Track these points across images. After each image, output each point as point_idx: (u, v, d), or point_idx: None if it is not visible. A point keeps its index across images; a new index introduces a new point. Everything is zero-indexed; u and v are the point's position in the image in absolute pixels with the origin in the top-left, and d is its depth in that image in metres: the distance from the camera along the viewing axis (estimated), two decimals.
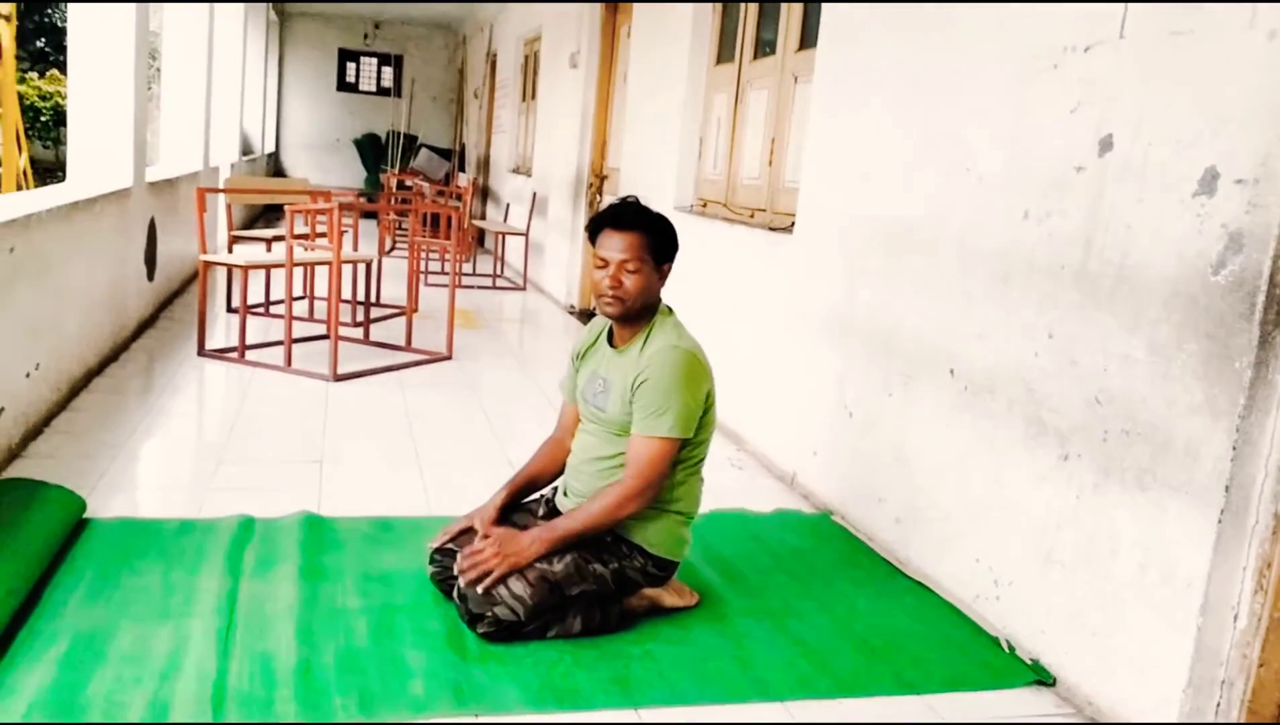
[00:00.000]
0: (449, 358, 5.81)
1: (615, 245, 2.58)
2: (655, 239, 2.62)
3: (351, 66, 17.18)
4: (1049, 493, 2.59)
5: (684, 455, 2.64)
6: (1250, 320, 2.05)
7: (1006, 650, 2.69)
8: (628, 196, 2.73)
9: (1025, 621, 2.67)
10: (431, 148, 15.54)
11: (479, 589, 2.49)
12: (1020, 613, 2.69)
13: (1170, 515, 2.22)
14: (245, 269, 5.54)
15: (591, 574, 2.56)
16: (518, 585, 2.50)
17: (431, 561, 2.76)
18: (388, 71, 17.24)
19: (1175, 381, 2.22)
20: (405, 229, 11.80)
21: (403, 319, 6.21)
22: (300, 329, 5.86)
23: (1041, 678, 2.55)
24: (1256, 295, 2.04)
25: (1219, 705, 2.16)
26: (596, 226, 2.65)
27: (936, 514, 3.07)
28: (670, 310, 2.72)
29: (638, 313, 2.63)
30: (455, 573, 2.57)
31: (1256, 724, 2.14)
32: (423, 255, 8.59)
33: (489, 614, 2.49)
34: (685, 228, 5.27)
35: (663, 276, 2.66)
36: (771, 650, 2.60)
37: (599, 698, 2.33)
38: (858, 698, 2.43)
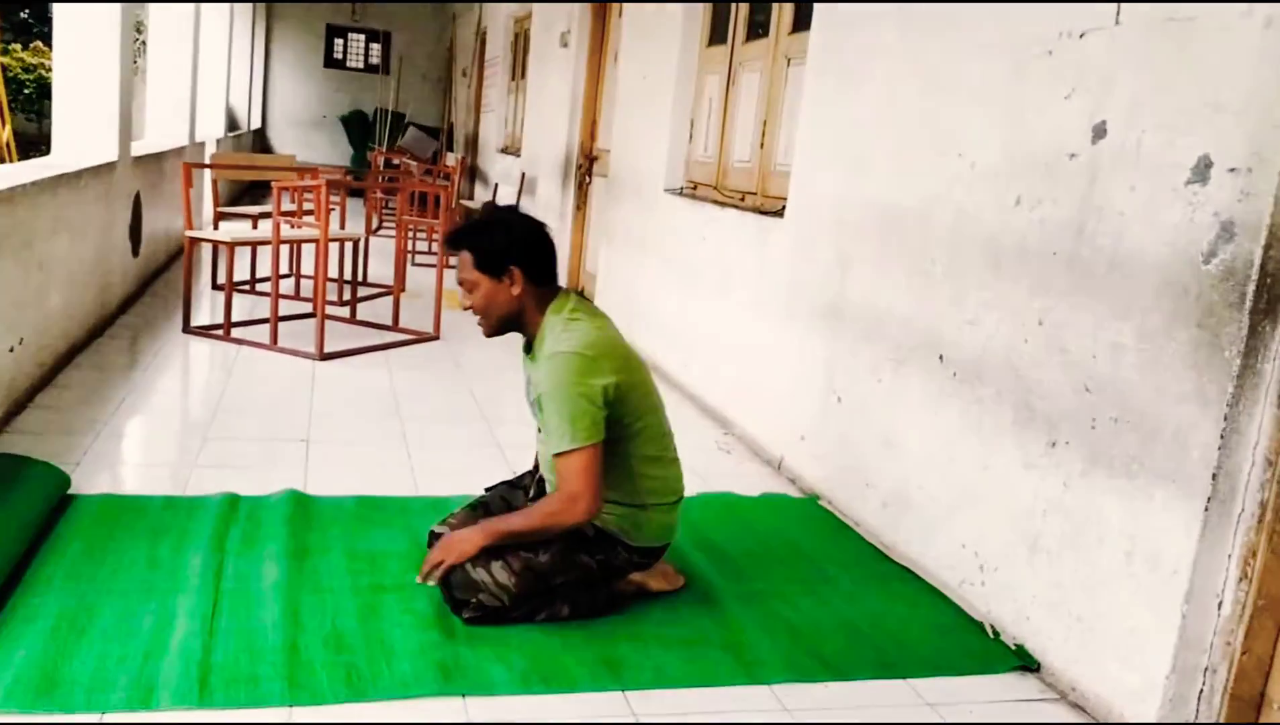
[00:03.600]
0: (436, 338, 5.79)
1: (458, 269, 2.57)
2: (480, 252, 2.52)
3: (339, 43, 17.05)
4: (1036, 479, 2.60)
5: (632, 450, 2.57)
6: (1240, 309, 2.06)
7: (991, 635, 2.70)
8: (486, 202, 2.71)
9: (1010, 607, 2.68)
10: (419, 126, 15.44)
11: (429, 582, 2.52)
12: (1006, 598, 2.70)
13: (1157, 503, 2.23)
14: (231, 245, 5.50)
15: (578, 564, 2.55)
16: (502, 575, 2.49)
17: (430, 544, 2.76)
18: (376, 48, 17.12)
19: (1165, 370, 2.22)
20: (393, 208, 11.72)
21: (390, 298, 6.18)
22: (286, 307, 5.81)
23: (1026, 663, 2.57)
24: (1247, 285, 2.05)
25: (1202, 692, 2.17)
26: None
27: (923, 499, 3.08)
28: (563, 303, 2.57)
29: (510, 323, 2.59)
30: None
31: (1234, 724, 2.15)
32: (410, 234, 8.54)
33: (474, 600, 2.49)
34: (675, 210, 5.29)
35: (515, 279, 2.52)
36: (758, 633, 2.61)
37: (586, 679, 2.33)
38: (843, 681, 2.44)
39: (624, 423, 2.54)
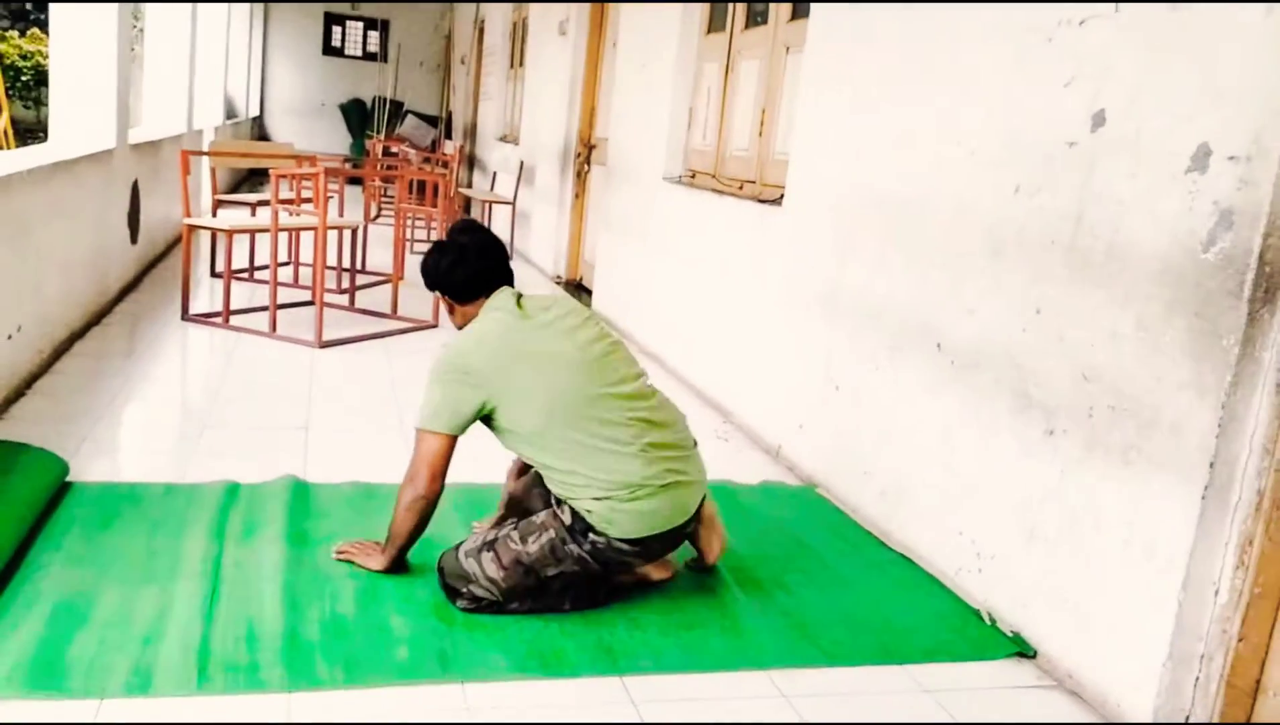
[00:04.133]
0: (435, 326, 5.78)
1: None
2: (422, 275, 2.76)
3: (337, 30, 16.98)
4: (1034, 467, 2.60)
5: (562, 447, 2.49)
6: (1239, 298, 2.06)
7: (988, 622, 2.71)
8: (456, 220, 2.84)
9: (1007, 594, 2.68)
10: (418, 114, 15.40)
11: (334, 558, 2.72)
12: (1002, 586, 2.70)
13: (1154, 491, 2.23)
14: (229, 233, 5.50)
15: (569, 555, 2.49)
16: (491, 568, 2.49)
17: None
18: (374, 36, 17.05)
19: (1163, 358, 2.22)
20: (391, 196, 11.71)
21: (388, 286, 6.17)
22: (285, 295, 5.82)
23: (1023, 650, 2.57)
24: (1246, 273, 2.04)
25: (1198, 679, 2.18)
26: None
27: (921, 487, 3.08)
28: (492, 303, 2.65)
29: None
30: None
31: (1229, 724, 2.16)
32: (409, 222, 8.53)
33: (465, 590, 2.50)
34: (674, 199, 5.28)
35: (446, 301, 2.73)
36: (757, 620, 2.61)
37: (584, 665, 2.34)
38: (841, 667, 2.45)
39: (518, 420, 2.52)
